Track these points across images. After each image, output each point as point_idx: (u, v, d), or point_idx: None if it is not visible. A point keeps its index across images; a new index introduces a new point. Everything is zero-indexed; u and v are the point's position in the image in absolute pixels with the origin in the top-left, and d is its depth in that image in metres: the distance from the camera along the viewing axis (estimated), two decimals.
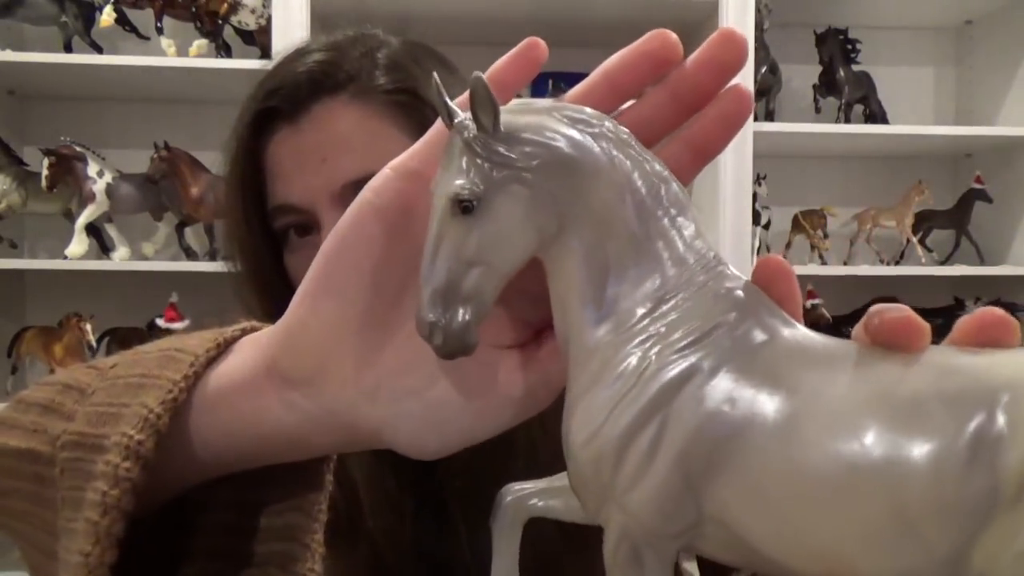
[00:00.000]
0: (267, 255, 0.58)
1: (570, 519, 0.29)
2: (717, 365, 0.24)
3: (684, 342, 0.24)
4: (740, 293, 0.26)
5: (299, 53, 0.58)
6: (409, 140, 0.51)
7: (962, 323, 0.23)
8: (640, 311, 0.25)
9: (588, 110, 0.27)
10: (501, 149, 0.26)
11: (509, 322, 0.31)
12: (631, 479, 0.24)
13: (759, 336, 0.24)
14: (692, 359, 0.24)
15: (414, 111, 0.56)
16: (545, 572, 0.42)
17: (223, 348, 0.33)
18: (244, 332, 0.34)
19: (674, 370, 0.24)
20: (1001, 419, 0.20)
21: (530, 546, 0.32)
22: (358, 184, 0.47)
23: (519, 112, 0.27)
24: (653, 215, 0.26)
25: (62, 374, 0.39)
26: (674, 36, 0.30)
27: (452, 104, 0.27)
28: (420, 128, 0.50)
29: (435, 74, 0.26)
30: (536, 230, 0.26)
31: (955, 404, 0.21)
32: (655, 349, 0.25)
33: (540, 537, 0.35)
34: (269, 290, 0.58)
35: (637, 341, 0.25)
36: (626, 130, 0.27)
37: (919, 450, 0.21)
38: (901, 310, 0.23)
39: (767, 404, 0.23)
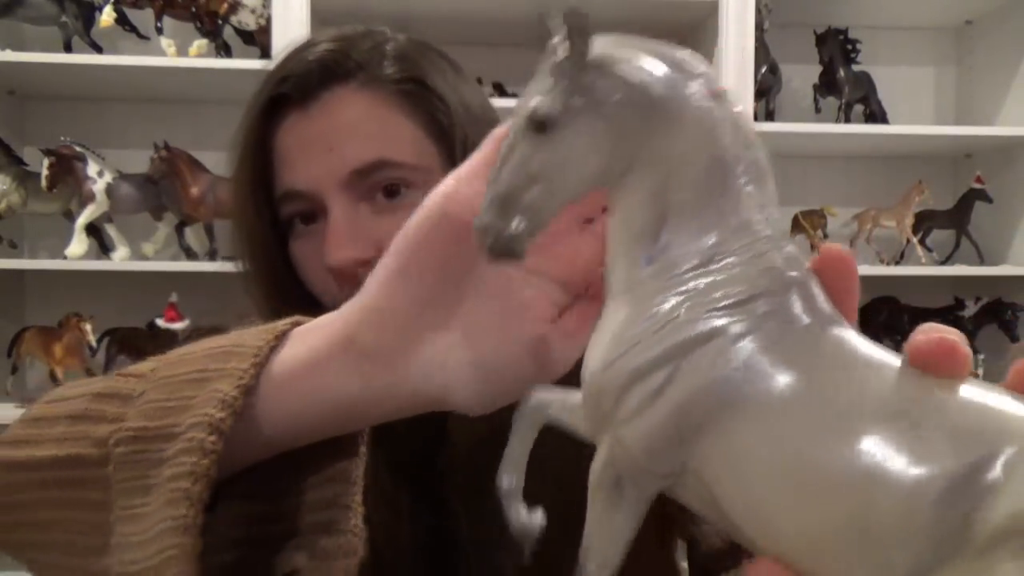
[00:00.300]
0: (274, 244, 0.58)
1: (574, 431, 0.30)
2: (744, 333, 0.24)
3: (721, 304, 0.24)
4: (795, 274, 0.25)
5: (310, 43, 0.58)
6: (416, 128, 0.56)
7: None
8: (687, 264, 0.25)
9: (688, 54, 0.27)
10: (586, 78, 0.26)
11: (548, 300, 0.35)
12: (630, 414, 0.25)
13: (799, 319, 0.24)
14: (721, 321, 0.24)
15: (421, 100, 0.57)
16: (546, 572, 0.43)
17: (281, 340, 0.37)
18: (294, 325, 0.38)
19: (701, 326, 0.24)
20: (998, 469, 0.20)
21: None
22: (365, 171, 0.53)
23: (618, 45, 0.27)
24: (728, 175, 0.25)
25: (81, 387, 0.41)
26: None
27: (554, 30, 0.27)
28: (427, 117, 0.56)
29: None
30: (602, 164, 0.26)
31: (959, 440, 0.21)
32: (689, 303, 0.25)
33: (541, 537, 0.36)
34: (275, 279, 0.59)
35: (676, 291, 0.25)
36: (723, 85, 0.27)
37: (904, 472, 0.21)
38: (946, 333, 0.22)
39: (777, 384, 0.23)
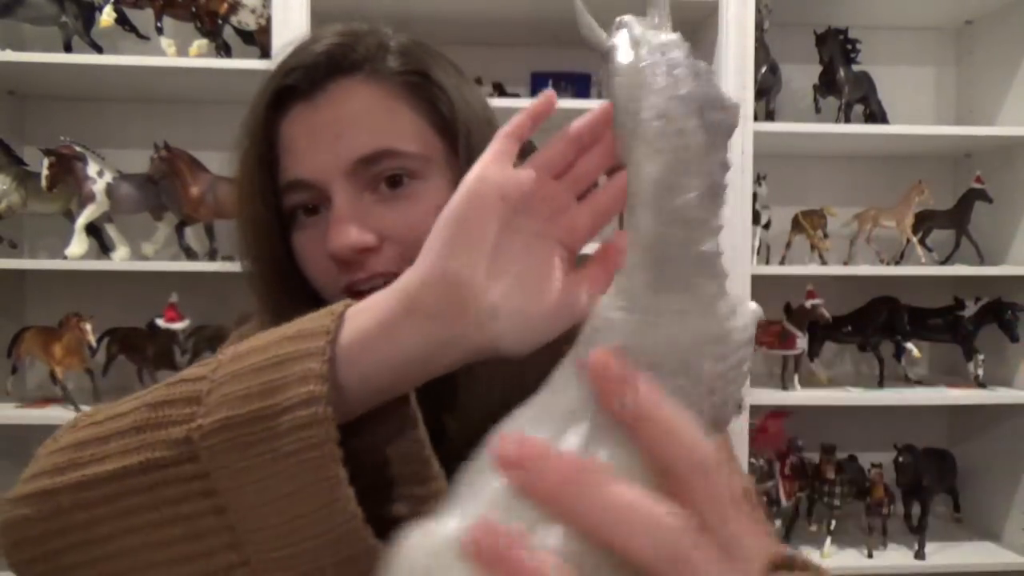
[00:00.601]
0: (278, 235, 0.60)
1: None
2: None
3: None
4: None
5: (315, 38, 0.60)
6: (419, 120, 0.58)
7: None
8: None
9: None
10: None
11: (563, 259, 0.42)
12: None
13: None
14: None
15: (425, 92, 0.59)
16: None
17: (341, 319, 0.42)
18: (346, 307, 0.43)
19: None
20: None
21: None
22: (368, 160, 0.55)
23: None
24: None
25: (122, 405, 0.44)
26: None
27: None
28: (430, 109, 0.59)
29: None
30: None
31: None
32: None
33: None
34: (278, 273, 0.60)
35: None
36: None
37: None
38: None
39: None
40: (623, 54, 0.32)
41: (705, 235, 0.28)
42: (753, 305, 0.30)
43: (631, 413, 0.28)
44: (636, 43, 0.32)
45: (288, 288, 0.60)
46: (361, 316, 0.42)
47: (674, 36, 0.32)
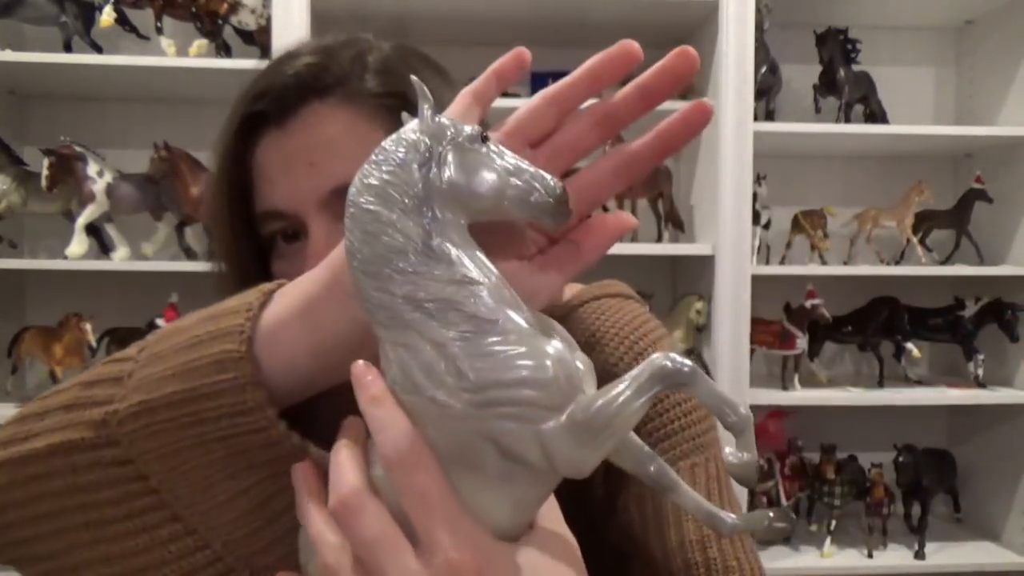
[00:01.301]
0: (252, 262, 0.57)
1: None
2: None
3: None
4: None
5: (288, 56, 0.57)
6: None
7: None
8: None
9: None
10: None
11: (526, 239, 0.40)
12: None
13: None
14: None
15: (406, 111, 0.56)
16: None
17: (269, 296, 0.40)
18: (279, 286, 0.41)
19: None
20: None
21: None
22: (344, 190, 0.49)
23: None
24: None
25: (72, 380, 0.42)
26: (631, 48, 0.40)
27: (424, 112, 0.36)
28: None
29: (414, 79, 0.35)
30: None
31: None
32: None
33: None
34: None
35: None
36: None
37: None
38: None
39: None
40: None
41: (409, 284, 0.34)
42: (530, 351, 0.33)
43: (360, 405, 0.35)
44: (381, 144, 0.36)
45: None
46: (289, 294, 0.40)
47: (406, 129, 0.36)
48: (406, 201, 0.34)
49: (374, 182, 0.35)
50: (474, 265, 0.34)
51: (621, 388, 0.33)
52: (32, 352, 1.74)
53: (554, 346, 0.33)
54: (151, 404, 0.39)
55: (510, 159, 0.35)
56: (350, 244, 0.35)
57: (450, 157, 0.35)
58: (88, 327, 1.67)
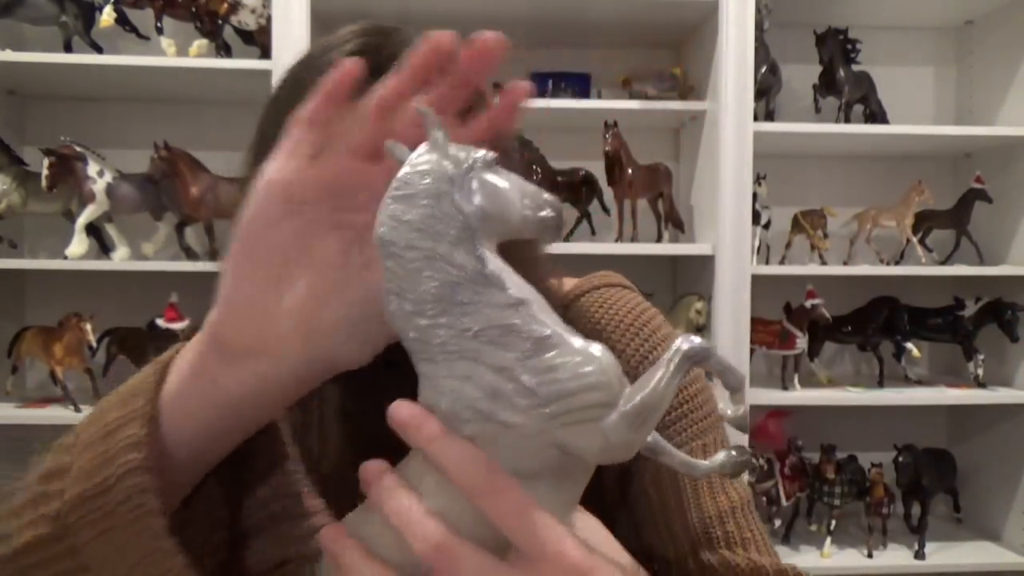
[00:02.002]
0: None
1: None
2: None
3: None
4: None
5: (345, 38, 0.59)
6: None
7: None
8: None
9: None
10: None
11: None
12: None
13: None
14: None
15: None
16: None
17: (168, 368, 0.41)
18: (177, 352, 0.42)
19: None
20: None
21: None
22: None
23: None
24: None
25: (31, 476, 0.44)
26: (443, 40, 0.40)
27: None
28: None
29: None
30: None
31: None
32: None
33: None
34: None
35: None
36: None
37: None
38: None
39: None
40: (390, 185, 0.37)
41: (468, 316, 0.34)
42: (584, 357, 0.35)
43: (422, 448, 0.35)
44: (400, 176, 0.36)
45: None
46: (180, 363, 0.41)
47: (424, 160, 0.36)
48: (452, 232, 0.35)
49: (413, 218, 0.35)
50: (519, 285, 0.35)
51: (660, 374, 0.36)
52: (32, 352, 1.74)
53: (596, 347, 0.35)
54: (87, 493, 0.39)
55: (516, 181, 0.36)
56: (394, 286, 0.35)
57: (474, 184, 0.35)
58: (88, 327, 1.67)
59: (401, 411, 0.35)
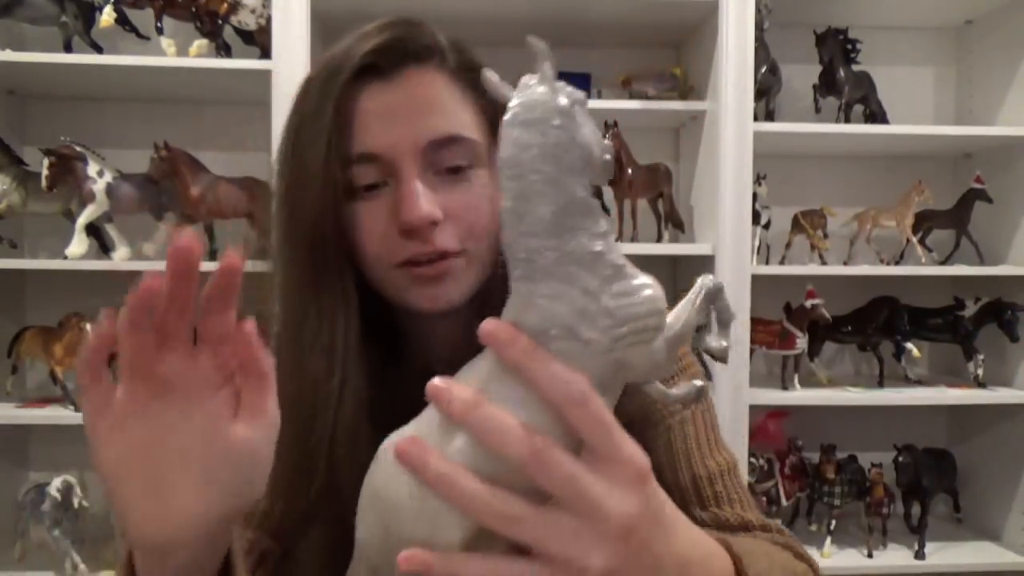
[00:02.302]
0: (330, 202, 0.60)
1: None
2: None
3: None
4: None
5: (380, 27, 0.63)
6: (476, 112, 0.64)
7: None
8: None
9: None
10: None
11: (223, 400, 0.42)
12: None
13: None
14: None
15: (477, 87, 0.60)
16: None
17: None
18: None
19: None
20: None
21: None
22: (439, 143, 0.61)
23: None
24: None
25: None
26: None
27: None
28: (483, 102, 0.64)
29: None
30: None
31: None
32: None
33: None
34: (319, 241, 0.61)
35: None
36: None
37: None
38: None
39: None
40: (509, 111, 0.40)
41: (572, 240, 0.38)
42: (649, 285, 0.40)
43: (515, 361, 0.38)
44: (521, 103, 0.39)
45: (325, 259, 0.61)
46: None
47: (543, 92, 0.39)
48: (574, 160, 0.38)
49: (539, 142, 0.38)
50: (604, 215, 0.40)
51: (688, 308, 0.44)
52: (32, 352, 1.74)
53: (652, 279, 0.40)
54: None
55: (591, 121, 0.40)
56: (515, 206, 0.38)
57: (578, 119, 0.39)
58: (88, 327, 1.67)
59: (491, 327, 0.38)
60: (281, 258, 0.64)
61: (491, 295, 0.62)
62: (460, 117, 0.62)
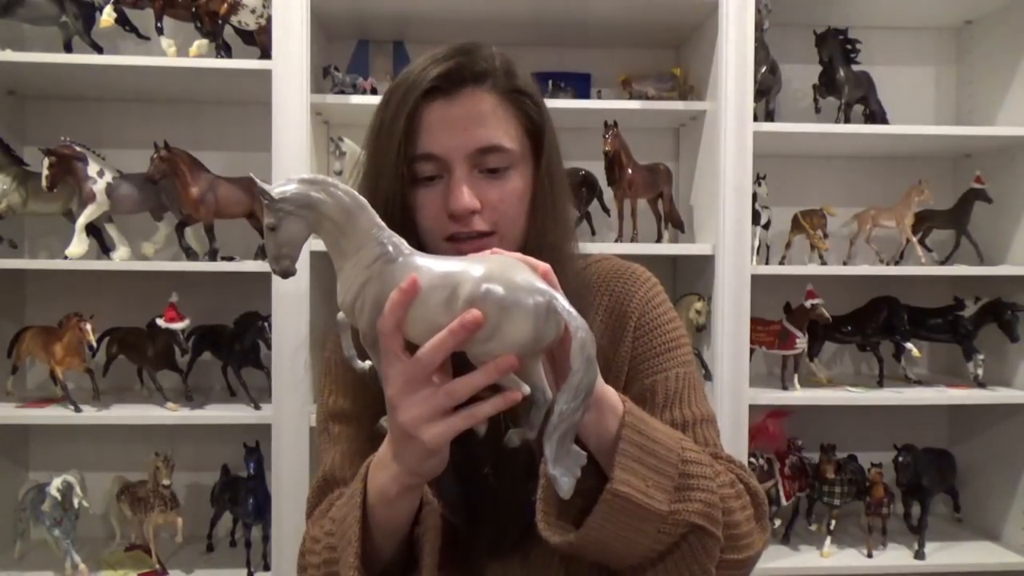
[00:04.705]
0: (397, 189, 0.78)
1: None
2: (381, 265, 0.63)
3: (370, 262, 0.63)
4: (390, 248, 0.63)
5: (449, 52, 0.79)
6: (518, 126, 0.82)
7: None
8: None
9: (319, 176, 0.62)
10: (278, 205, 0.60)
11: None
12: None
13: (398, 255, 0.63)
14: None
15: (523, 105, 0.81)
16: None
17: (364, 501, 0.71)
18: (364, 486, 0.72)
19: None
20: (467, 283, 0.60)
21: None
22: (485, 150, 0.79)
23: (284, 186, 0.61)
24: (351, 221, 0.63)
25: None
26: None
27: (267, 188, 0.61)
28: (526, 119, 0.82)
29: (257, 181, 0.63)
30: (306, 229, 0.62)
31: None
32: (355, 270, 0.63)
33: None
34: (390, 210, 0.77)
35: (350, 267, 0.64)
36: (342, 187, 0.63)
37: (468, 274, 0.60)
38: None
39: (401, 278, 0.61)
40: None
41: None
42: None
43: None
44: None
45: (391, 226, 0.73)
46: (372, 481, 0.71)
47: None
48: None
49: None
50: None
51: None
52: (32, 352, 1.74)
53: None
54: None
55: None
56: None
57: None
58: (88, 327, 1.67)
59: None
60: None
61: None
62: (503, 129, 0.79)
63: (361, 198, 0.63)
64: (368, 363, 0.66)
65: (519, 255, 0.63)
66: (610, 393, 0.69)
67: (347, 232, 0.62)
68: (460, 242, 0.78)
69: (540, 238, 0.81)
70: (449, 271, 0.60)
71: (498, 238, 0.79)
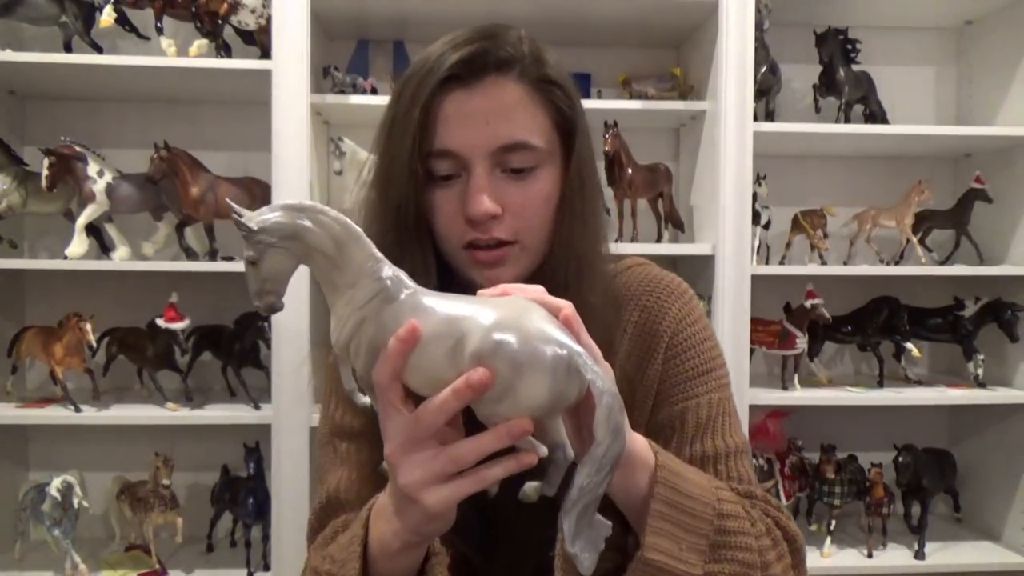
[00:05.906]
0: (412, 187, 0.70)
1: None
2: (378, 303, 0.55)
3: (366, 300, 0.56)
4: (389, 281, 0.56)
5: (469, 37, 0.71)
6: (548, 120, 0.72)
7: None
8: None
9: (306, 202, 0.55)
10: (259, 236, 0.53)
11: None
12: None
13: (400, 294, 0.55)
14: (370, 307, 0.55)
15: (555, 97, 0.72)
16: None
17: (365, 543, 0.64)
18: (365, 530, 0.64)
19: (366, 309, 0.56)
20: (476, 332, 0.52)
21: None
22: (509, 148, 0.69)
23: (266, 214, 0.54)
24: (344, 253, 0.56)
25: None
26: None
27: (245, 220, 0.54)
28: (557, 112, 0.72)
29: (232, 205, 0.54)
30: (292, 262, 0.55)
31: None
32: (349, 308, 0.56)
33: None
34: (401, 218, 0.71)
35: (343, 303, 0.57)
36: (334, 215, 0.56)
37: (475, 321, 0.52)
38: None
39: (404, 318, 0.54)
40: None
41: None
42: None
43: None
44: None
45: (408, 234, 0.71)
46: (375, 530, 0.64)
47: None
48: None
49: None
50: None
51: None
52: (32, 352, 1.74)
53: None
54: None
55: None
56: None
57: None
58: (88, 327, 1.67)
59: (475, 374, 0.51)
60: (371, 233, 0.68)
61: (543, 278, 0.69)
62: (529, 124, 0.70)
63: (355, 227, 0.55)
64: (369, 401, 0.60)
65: (537, 293, 0.56)
66: (639, 445, 0.61)
67: (339, 265, 0.55)
68: (479, 250, 0.71)
69: (566, 247, 0.72)
70: (455, 315, 0.52)
71: (519, 247, 0.71)
